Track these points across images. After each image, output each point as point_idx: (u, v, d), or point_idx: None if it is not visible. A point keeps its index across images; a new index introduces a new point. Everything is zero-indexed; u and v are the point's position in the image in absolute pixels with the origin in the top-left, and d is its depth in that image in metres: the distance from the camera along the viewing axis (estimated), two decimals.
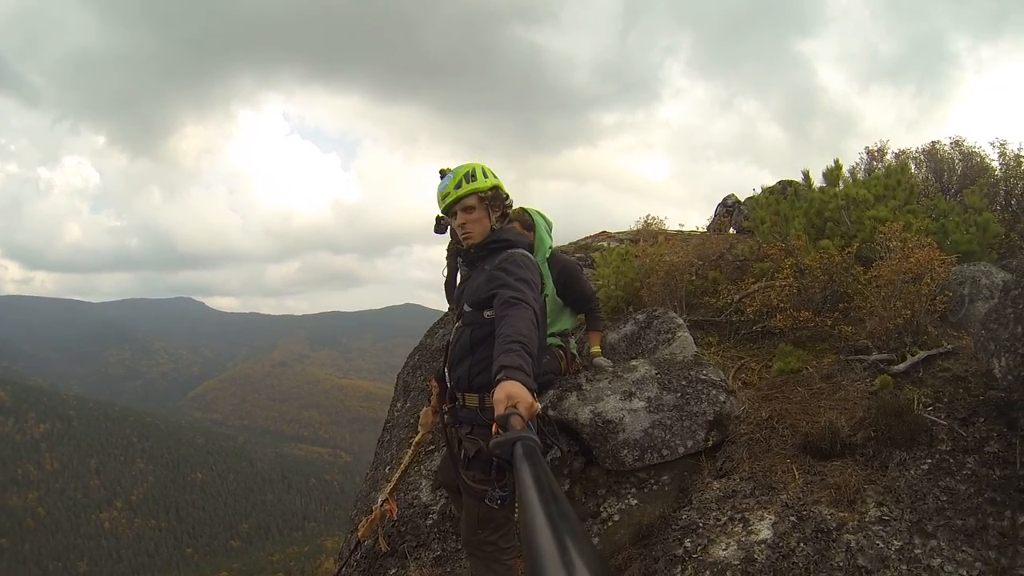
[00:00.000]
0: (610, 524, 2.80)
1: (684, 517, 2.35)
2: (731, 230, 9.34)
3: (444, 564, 3.19)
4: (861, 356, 3.55)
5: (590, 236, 10.74)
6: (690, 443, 2.97)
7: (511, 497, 2.03)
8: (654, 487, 2.92)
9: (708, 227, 10.31)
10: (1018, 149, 5.96)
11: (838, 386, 3.23)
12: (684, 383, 3.32)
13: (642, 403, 3.18)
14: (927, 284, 3.59)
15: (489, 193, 2.39)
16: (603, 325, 4.50)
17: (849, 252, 4.41)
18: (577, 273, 3.86)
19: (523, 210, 3.63)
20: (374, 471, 6.85)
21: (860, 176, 7.22)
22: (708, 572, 1.99)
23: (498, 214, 2.44)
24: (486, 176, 2.40)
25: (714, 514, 2.28)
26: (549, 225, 3.75)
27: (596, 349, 3.98)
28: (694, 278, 5.80)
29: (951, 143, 6.64)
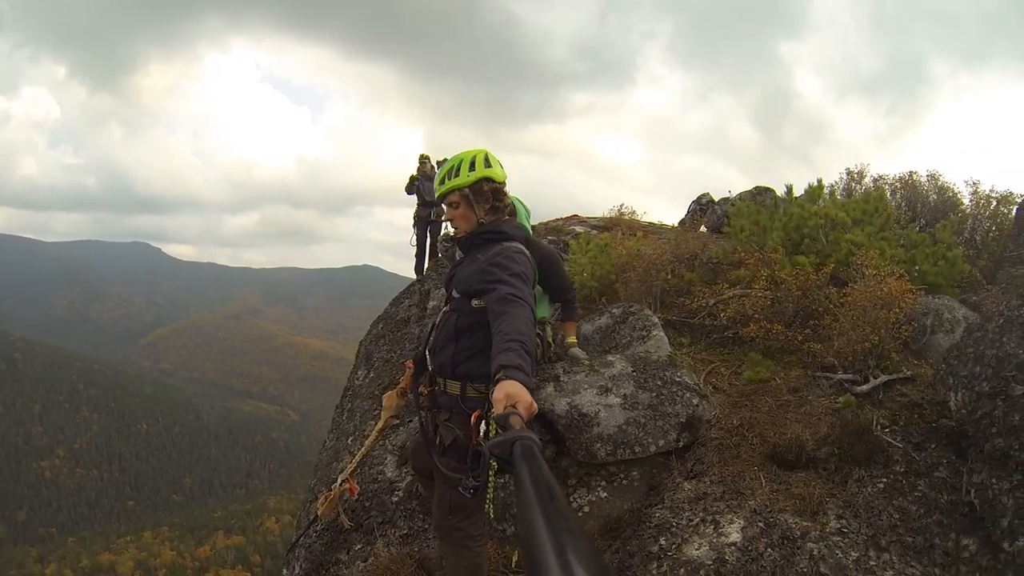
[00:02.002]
0: (580, 515, 2.88)
1: (657, 515, 2.44)
2: (703, 228, 9.51)
3: (412, 543, 3.22)
4: (827, 374, 3.71)
5: (561, 219, 10.76)
6: (662, 442, 3.07)
7: (484, 487, 2.06)
8: (623, 482, 3.01)
9: (681, 223, 10.49)
10: (989, 190, 6.25)
11: (804, 400, 3.37)
12: (659, 383, 3.41)
13: (618, 399, 3.26)
14: (895, 312, 3.76)
15: (469, 189, 2.34)
16: (578, 315, 4.56)
17: (825, 271, 4.57)
18: (558, 262, 3.89)
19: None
20: (335, 441, 6.80)
21: (839, 195, 7.46)
22: (683, 570, 2.09)
23: (486, 207, 2.39)
24: (472, 169, 2.34)
25: (687, 514, 2.38)
26: (528, 212, 3.76)
27: (572, 339, 4.03)
28: (670, 277, 5.90)
29: (927, 176, 6.91)
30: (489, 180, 2.37)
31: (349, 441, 6.18)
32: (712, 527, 2.25)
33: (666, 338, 4.25)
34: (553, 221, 10.40)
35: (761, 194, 9.22)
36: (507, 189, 2.49)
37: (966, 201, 6.65)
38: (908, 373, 3.67)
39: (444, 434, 2.25)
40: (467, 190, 2.35)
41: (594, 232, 8.92)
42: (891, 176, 7.46)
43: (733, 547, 2.13)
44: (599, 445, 3.07)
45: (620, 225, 9.43)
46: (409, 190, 8.43)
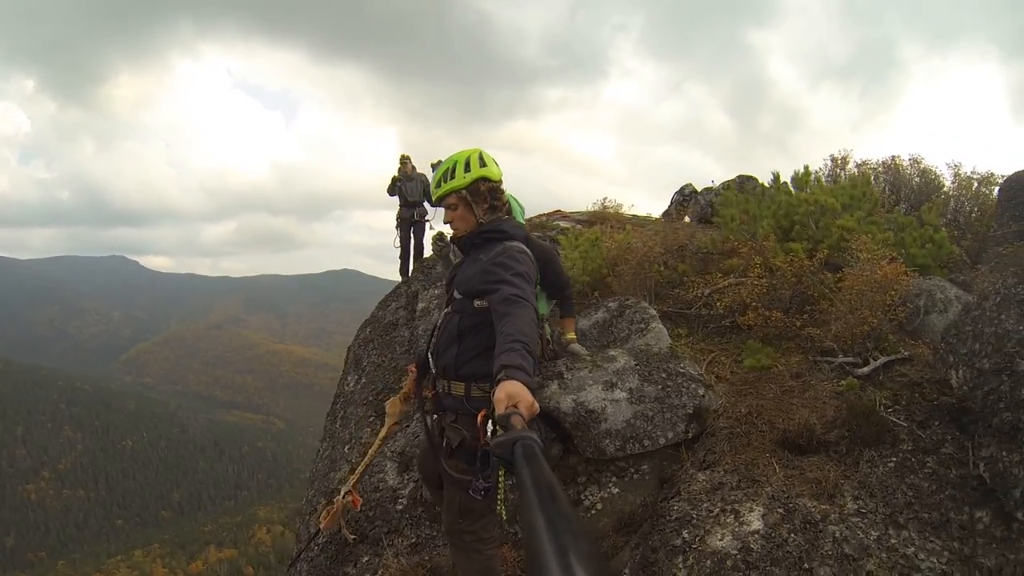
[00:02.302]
0: (593, 512, 2.87)
1: (676, 508, 2.43)
2: (686, 219, 9.53)
3: (421, 552, 3.17)
4: (828, 358, 3.74)
5: (544, 214, 10.70)
6: (671, 434, 3.06)
7: (494, 489, 2.04)
8: (635, 476, 3.00)
9: (665, 214, 10.52)
10: (971, 172, 6.36)
11: (807, 385, 3.39)
12: (664, 375, 3.41)
13: (624, 394, 3.25)
14: (891, 295, 3.81)
15: (467, 191, 2.33)
16: (576, 312, 4.55)
17: (819, 257, 4.61)
18: (555, 259, 3.87)
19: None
20: (331, 450, 6.69)
21: (824, 181, 7.54)
22: (709, 562, 2.08)
23: (485, 207, 2.37)
24: (468, 169, 2.32)
25: (705, 505, 2.37)
26: (522, 209, 3.75)
27: (571, 335, 4.01)
28: (663, 269, 5.91)
29: (910, 160, 7.02)
30: (486, 179, 2.35)
31: (346, 449, 6.09)
32: (733, 516, 2.25)
33: (665, 330, 4.25)
34: (536, 217, 10.34)
35: (745, 183, 9.28)
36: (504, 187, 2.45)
37: (948, 183, 6.78)
38: (906, 354, 3.72)
39: (451, 436, 2.23)
40: (464, 191, 2.33)
41: (579, 227, 8.90)
42: (874, 161, 7.58)
43: (756, 535, 2.13)
44: (607, 441, 3.06)
45: (605, 219, 9.41)
46: (391, 191, 8.37)
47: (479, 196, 2.35)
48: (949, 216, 6.34)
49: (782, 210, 5.91)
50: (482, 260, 2.26)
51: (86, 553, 69.07)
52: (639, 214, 10.85)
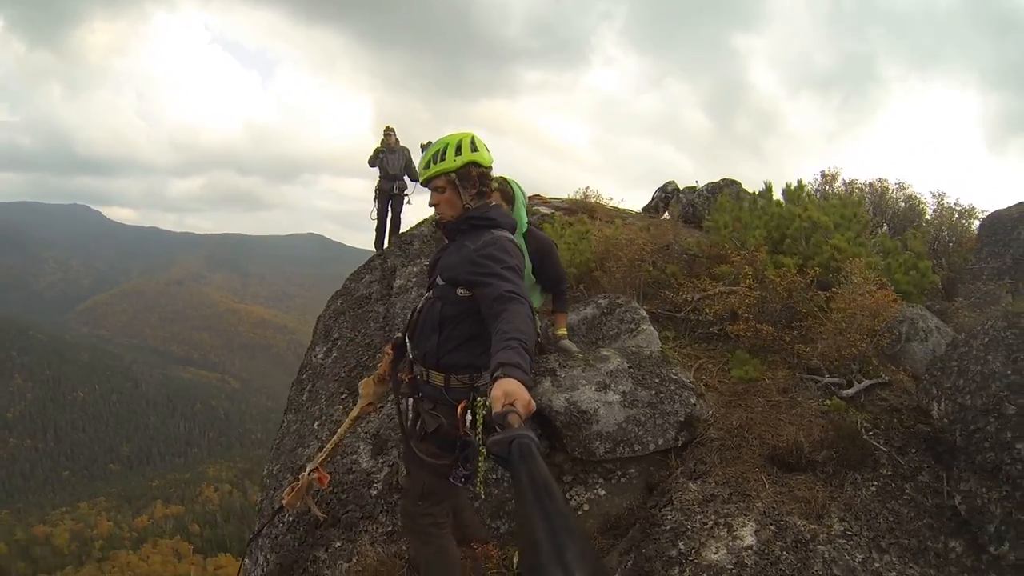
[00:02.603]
0: (580, 513, 2.88)
1: (670, 518, 2.45)
2: (665, 215, 9.56)
3: (399, 541, 3.15)
4: (815, 376, 3.82)
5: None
6: (661, 441, 3.09)
7: (474, 476, 2.07)
8: (621, 479, 3.02)
9: (646, 209, 10.51)
10: (953, 203, 6.54)
11: (795, 402, 3.45)
12: (657, 381, 3.43)
13: (617, 397, 3.26)
14: (880, 320, 3.90)
15: (456, 174, 2.28)
16: (569, 307, 4.54)
17: (810, 275, 4.69)
18: (553, 252, 3.85)
19: (504, 180, 3.54)
20: (299, 424, 6.56)
21: (814, 196, 7.67)
22: (705, 575, 2.10)
23: (473, 192, 2.32)
24: (459, 153, 2.27)
25: (699, 517, 2.40)
26: (524, 196, 3.70)
27: (563, 331, 4.00)
28: (652, 269, 5.93)
29: (896, 184, 7.19)
30: (476, 164, 2.30)
31: (315, 426, 5.98)
32: (726, 530, 2.28)
33: (656, 332, 4.28)
34: None
35: (729, 186, 9.38)
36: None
37: (930, 212, 6.96)
38: (886, 378, 3.82)
39: (428, 421, 2.24)
40: (454, 175, 2.28)
41: (560, 214, 8.84)
42: (861, 181, 7.74)
43: (750, 551, 2.16)
44: (598, 443, 3.07)
45: (587, 209, 9.31)
46: (372, 163, 8.24)
47: (468, 181, 2.30)
48: (929, 244, 6.52)
49: (774, 222, 5.99)
50: (468, 248, 2.21)
51: (30, 503, 67.71)
52: (620, 207, 10.69)
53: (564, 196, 10.83)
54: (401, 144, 8.26)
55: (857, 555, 2.21)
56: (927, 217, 6.93)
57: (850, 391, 3.56)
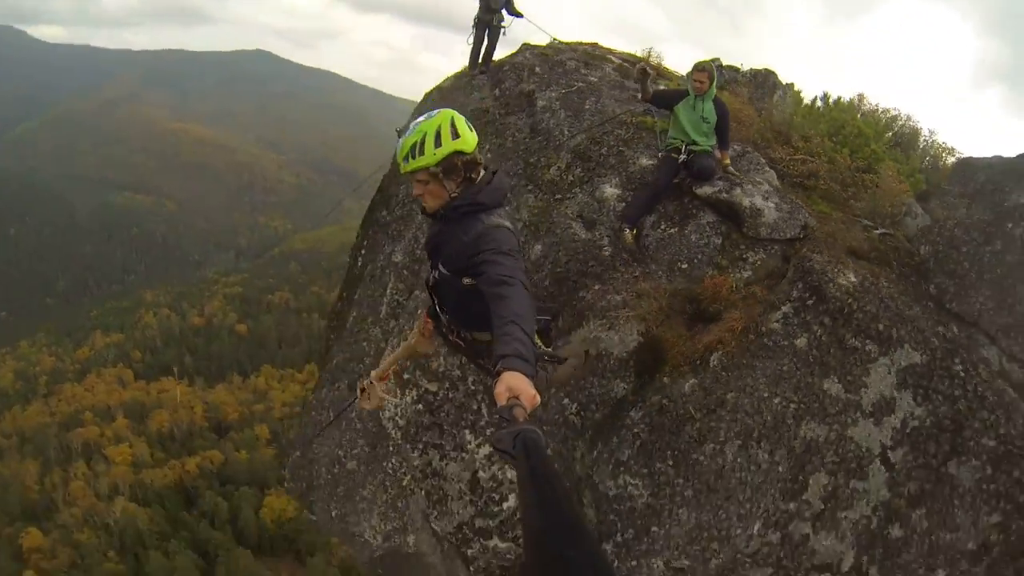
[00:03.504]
0: (757, 263, 5.55)
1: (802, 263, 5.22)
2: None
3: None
4: (860, 219, 6.61)
5: (583, 44, 10.07)
6: (791, 233, 5.75)
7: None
8: (771, 250, 5.70)
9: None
10: (942, 142, 9.25)
11: (852, 230, 6.22)
12: (787, 202, 6.03)
13: (772, 204, 5.84)
14: (896, 202, 6.67)
15: (438, 168, 2.22)
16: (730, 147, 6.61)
17: (858, 164, 7.30)
18: (726, 115, 6.11)
19: (711, 64, 5.68)
20: (376, 328, 6.53)
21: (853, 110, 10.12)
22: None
23: (458, 180, 2.28)
24: (439, 144, 2.17)
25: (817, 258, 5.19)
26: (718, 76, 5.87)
27: (727, 162, 6.34)
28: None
29: (905, 116, 9.77)
30: (460, 153, 2.23)
31: (393, 341, 5.94)
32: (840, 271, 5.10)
33: (774, 172, 6.75)
34: (578, 43, 9.95)
35: (769, 77, 11.09)
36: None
37: (923, 140, 9.70)
38: (893, 232, 6.69)
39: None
40: (437, 168, 2.23)
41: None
42: (883, 105, 10.22)
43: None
44: (764, 228, 5.69)
45: (655, 69, 9.60)
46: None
47: (453, 171, 2.26)
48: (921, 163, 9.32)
49: (836, 124, 8.46)
50: (461, 238, 2.25)
51: None
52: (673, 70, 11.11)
53: (621, 50, 11.20)
54: None
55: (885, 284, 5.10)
56: (921, 144, 9.67)
57: (878, 232, 6.39)
